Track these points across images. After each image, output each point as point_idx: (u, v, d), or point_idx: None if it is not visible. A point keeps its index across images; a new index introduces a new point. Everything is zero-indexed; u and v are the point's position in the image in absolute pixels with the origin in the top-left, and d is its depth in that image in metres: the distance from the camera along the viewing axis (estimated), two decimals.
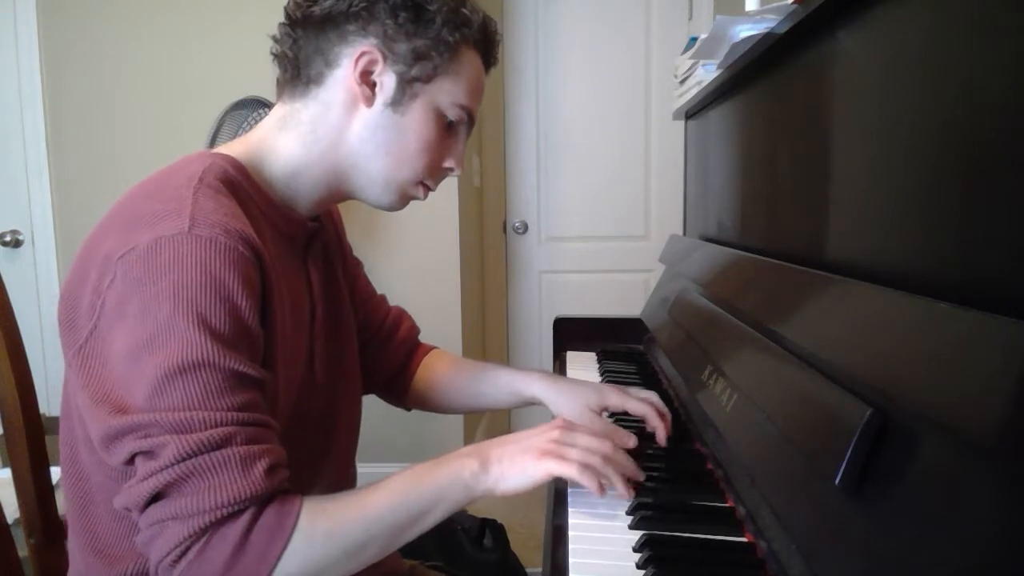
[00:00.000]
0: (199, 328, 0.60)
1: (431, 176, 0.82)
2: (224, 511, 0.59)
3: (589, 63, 3.04)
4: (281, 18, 0.79)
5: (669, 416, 0.94)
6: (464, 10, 0.77)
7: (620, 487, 0.74)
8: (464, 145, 0.83)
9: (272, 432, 0.65)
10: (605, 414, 0.96)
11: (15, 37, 2.49)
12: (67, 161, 2.56)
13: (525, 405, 1.01)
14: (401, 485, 0.67)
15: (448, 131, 0.80)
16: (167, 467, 0.59)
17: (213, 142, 2.14)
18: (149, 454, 0.60)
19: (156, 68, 2.51)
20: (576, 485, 0.76)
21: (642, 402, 0.93)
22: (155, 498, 0.60)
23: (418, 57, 0.75)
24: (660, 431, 0.92)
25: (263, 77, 2.24)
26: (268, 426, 0.65)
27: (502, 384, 1.01)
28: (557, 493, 0.81)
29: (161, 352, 0.60)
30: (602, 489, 0.72)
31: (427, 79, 0.76)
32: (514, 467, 0.70)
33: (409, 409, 1.09)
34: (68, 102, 2.54)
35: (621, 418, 0.98)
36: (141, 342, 0.60)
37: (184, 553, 0.59)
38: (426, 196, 0.83)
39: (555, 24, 3.04)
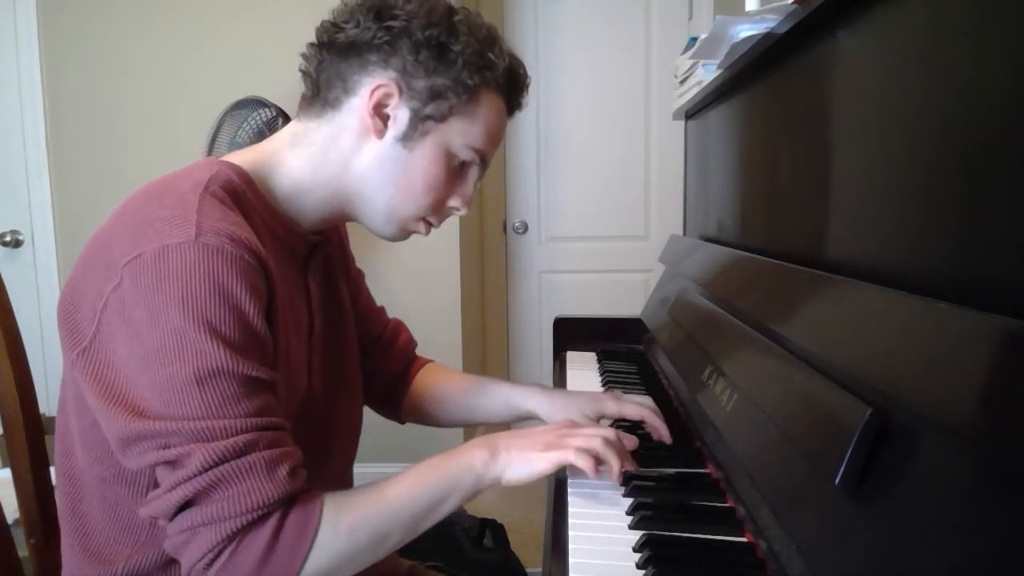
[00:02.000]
0: (210, 336, 0.61)
1: (435, 214, 0.81)
2: (253, 515, 0.61)
3: (589, 63, 3.04)
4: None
5: (661, 415, 0.95)
6: (490, 54, 0.76)
7: (616, 468, 0.77)
8: (473, 187, 0.82)
9: (287, 434, 0.67)
10: (605, 422, 0.96)
11: (15, 37, 2.50)
12: (67, 161, 2.56)
13: (521, 419, 1.02)
14: (417, 476, 0.71)
15: (458, 171, 0.80)
16: (195, 476, 0.60)
17: (213, 142, 2.14)
18: (173, 464, 0.61)
19: (156, 68, 2.51)
20: (575, 472, 0.78)
21: (638, 406, 0.94)
22: (184, 505, 0.62)
23: (434, 95, 0.74)
24: (662, 429, 0.93)
25: (263, 77, 2.26)
26: (284, 428, 0.66)
27: (498, 398, 1.01)
28: (557, 493, 0.81)
29: (175, 362, 0.61)
30: (597, 471, 0.75)
31: (441, 118, 0.75)
32: (521, 457, 0.74)
33: (403, 422, 1.09)
34: (68, 102, 2.54)
35: (621, 424, 0.98)
36: (151, 351, 0.61)
37: (217, 557, 0.61)
38: (428, 232, 0.83)
39: (555, 24, 3.04)
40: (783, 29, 0.88)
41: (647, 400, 0.96)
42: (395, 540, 0.69)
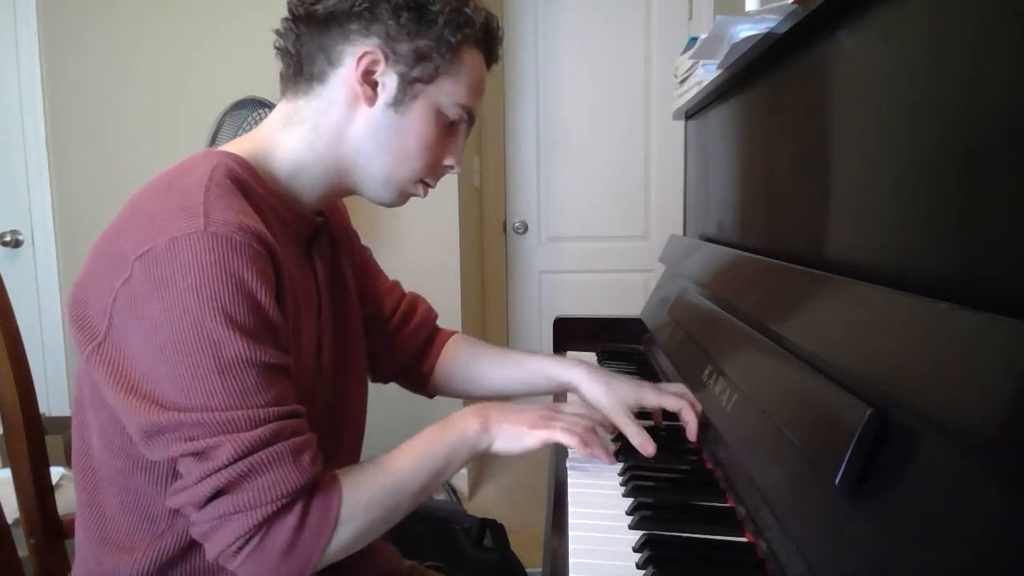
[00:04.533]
0: (226, 325, 0.62)
1: (431, 174, 0.82)
2: (282, 502, 0.64)
3: (589, 63, 3.04)
4: (282, 15, 0.78)
5: (700, 408, 0.93)
6: (467, 10, 0.77)
7: (602, 454, 0.83)
8: (463, 143, 0.84)
9: (304, 420, 0.69)
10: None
11: (15, 37, 2.49)
12: (67, 161, 2.56)
13: (560, 391, 1.01)
14: (419, 449, 0.75)
15: (448, 130, 0.81)
16: (225, 467, 0.62)
17: (213, 142, 2.14)
18: (201, 455, 0.63)
19: (156, 68, 2.51)
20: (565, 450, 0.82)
21: (676, 397, 0.93)
22: (213, 495, 0.64)
23: (420, 57, 0.75)
24: (692, 424, 0.92)
25: (263, 77, 2.25)
26: (302, 415, 0.68)
27: (535, 367, 1.00)
28: (557, 493, 0.82)
29: (194, 353, 0.62)
30: (584, 446, 0.80)
31: (428, 79, 0.76)
32: (511, 431, 0.79)
33: (431, 396, 1.07)
34: (68, 102, 2.54)
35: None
36: (168, 343, 0.62)
37: (247, 543, 0.64)
38: (426, 194, 0.84)
39: (555, 24, 3.04)
40: (783, 29, 0.88)
41: (684, 390, 0.95)
42: (404, 510, 0.73)
